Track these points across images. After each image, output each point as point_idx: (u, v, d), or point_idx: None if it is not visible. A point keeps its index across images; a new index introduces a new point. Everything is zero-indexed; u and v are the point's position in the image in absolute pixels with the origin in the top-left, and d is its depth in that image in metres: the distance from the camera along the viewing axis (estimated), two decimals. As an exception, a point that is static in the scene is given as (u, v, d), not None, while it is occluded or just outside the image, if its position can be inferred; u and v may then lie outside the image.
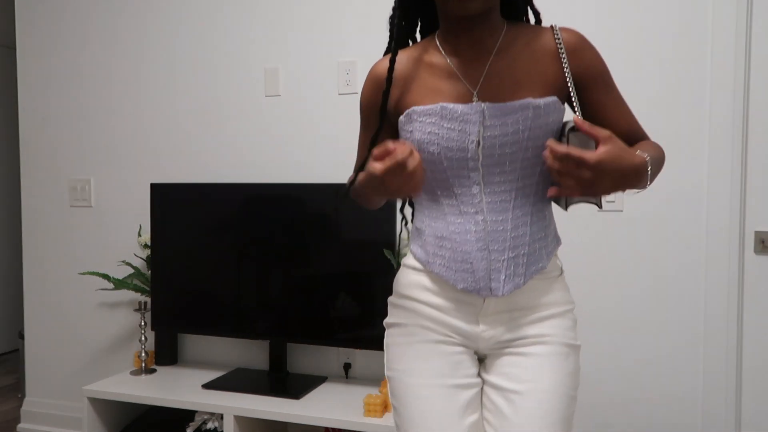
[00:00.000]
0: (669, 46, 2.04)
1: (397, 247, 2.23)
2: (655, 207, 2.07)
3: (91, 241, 2.81)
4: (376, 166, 1.01)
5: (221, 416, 2.23)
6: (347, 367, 2.42)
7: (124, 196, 2.75)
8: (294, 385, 2.32)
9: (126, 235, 2.75)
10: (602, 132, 1.00)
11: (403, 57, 1.22)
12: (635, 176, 1.03)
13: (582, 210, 2.14)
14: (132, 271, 2.69)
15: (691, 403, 2.06)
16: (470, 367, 1.21)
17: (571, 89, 1.15)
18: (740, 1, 1.95)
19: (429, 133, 1.13)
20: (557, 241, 1.24)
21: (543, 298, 1.19)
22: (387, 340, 1.26)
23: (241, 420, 2.16)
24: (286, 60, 2.49)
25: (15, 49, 2.95)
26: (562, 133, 1.14)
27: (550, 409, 1.13)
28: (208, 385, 2.33)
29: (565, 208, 1.19)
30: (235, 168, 2.57)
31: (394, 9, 1.23)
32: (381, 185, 1.04)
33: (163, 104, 2.67)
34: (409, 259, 1.26)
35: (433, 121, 1.13)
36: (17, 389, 3.57)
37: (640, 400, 2.11)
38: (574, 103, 1.16)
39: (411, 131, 1.16)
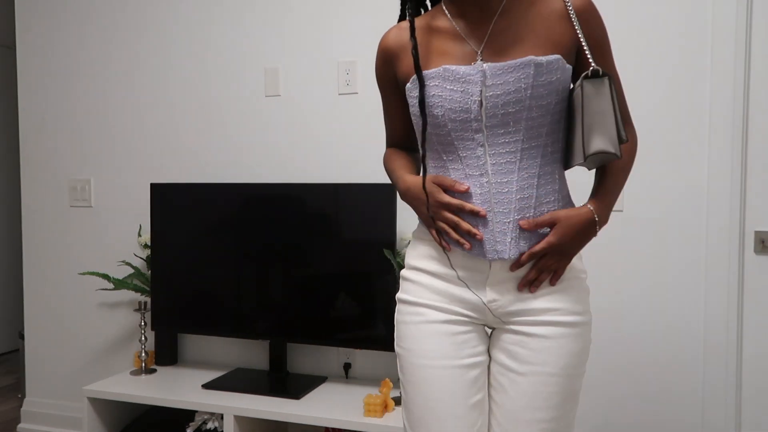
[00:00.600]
0: (669, 45, 2.04)
1: (396, 247, 2.23)
2: (655, 207, 2.07)
3: (91, 241, 2.81)
4: (445, 216, 1.16)
5: (221, 416, 2.23)
6: (347, 367, 2.42)
7: (124, 196, 2.75)
8: (294, 385, 2.32)
9: (126, 235, 2.75)
10: (546, 219, 1.13)
11: (403, 27, 1.24)
12: (591, 230, 1.15)
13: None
14: (132, 271, 2.69)
15: (691, 403, 2.06)
16: (477, 345, 1.21)
17: (584, 46, 1.15)
18: (740, 1, 1.95)
19: (433, 96, 1.14)
20: (570, 206, 1.21)
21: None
22: (397, 317, 1.27)
23: (241, 420, 2.16)
24: (286, 60, 2.49)
25: (15, 49, 2.94)
26: (574, 89, 1.14)
27: (554, 391, 1.14)
28: (208, 385, 2.33)
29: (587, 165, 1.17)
30: (235, 168, 2.57)
31: None
32: (425, 216, 1.20)
33: (163, 104, 2.67)
34: (417, 231, 1.28)
35: (437, 83, 1.14)
36: (17, 389, 3.57)
37: (640, 399, 2.11)
38: (590, 58, 1.14)
39: (414, 95, 1.17)
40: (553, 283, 1.16)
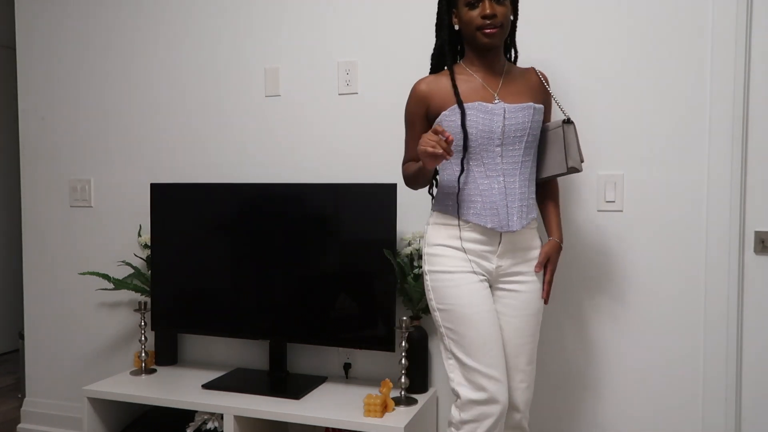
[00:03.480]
0: (669, 46, 2.04)
1: (397, 247, 2.23)
2: (655, 207, 2.07)
3: (91, 241, 2.81)
4: (436, 129, 1.59)
5: (221, 416, 2.23)
6: (347, 367, 2.42)
7: (124, 196, 2.75)
8: (294, 385, 2.32)
9: (126, 235, 2.75)
10: (543, 259, 1.80)
11: (437, 77, 1.78)
12: (560, 251, 1.85)
13: (581, 210, 2.14)
14: (132, 271, 2.69)
15: (692, 403, 2.06)
16: (491, 295, 1.77)
17: (557, 102, 1.87)
18: (740, 1, 1.95)
19: (468, 120, 1.69)
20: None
21: (531, 242, 1.80)
22: (434, 284, 1.75)
23: (241, 420, 2.16)
24: (286, 60, 2.49)
25: (15, 49, 2.94)
26: (546, 128, 1.82)
27: (532, 329, 1.80)
28: (208, 385, 2.33)
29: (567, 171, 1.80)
30: (235, 168, 2.57)
31: (441, 45, 1.80)
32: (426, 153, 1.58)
33: (163, 104, 2.67)
34: (439, 219, 1.78)
35: (472, 112, 1.69)
36: (17, 389, 3.57)
37: (640, 399, 2.11)
38: (563, 109, 1.85)
39: (454, 120, 1.69)
40: (546, 291, 1.83)
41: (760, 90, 1.97)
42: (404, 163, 1.86)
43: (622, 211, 2.11)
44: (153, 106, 2.69)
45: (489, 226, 1.70)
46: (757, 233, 1.99)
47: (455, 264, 1.73)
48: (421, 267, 1.85)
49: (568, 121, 1.78)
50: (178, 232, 2.48)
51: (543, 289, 1.80)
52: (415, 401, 2.15)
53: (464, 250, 1.72)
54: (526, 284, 1.78)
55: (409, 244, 2.24)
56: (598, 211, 2.13)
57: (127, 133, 2.74)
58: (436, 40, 1.82)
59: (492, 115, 1.69)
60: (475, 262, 1.73)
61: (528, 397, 1.82)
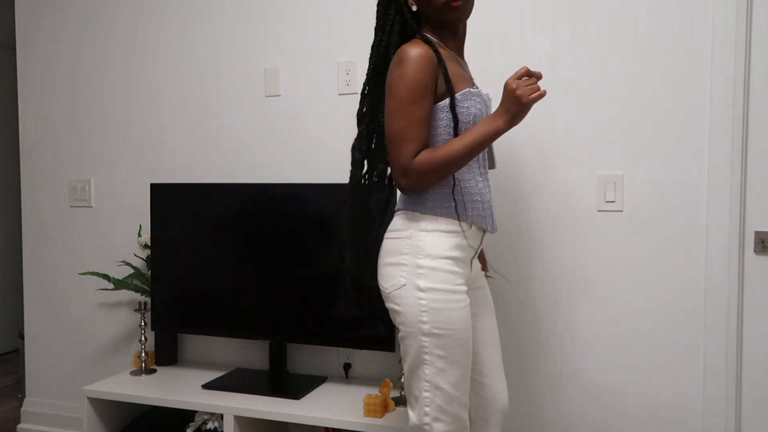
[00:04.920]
0: (669, 46, 2.04)
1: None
2: (655, 207, 2.07)
3: (91, 241, 2.81)
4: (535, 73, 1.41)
5: (221, 416, 2.23)
6: (347, 367, 2.42)
7: (124, 196, 2.75)
8: (294, 385, 2.32)
9: (126, 235, 2.75)
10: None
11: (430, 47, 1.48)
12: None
13: (581, 210, 2.14)
14: (132, 271, 2.69)
15: (692, 403, 2.06)
16: None
17: None
18: (740, 2, 1.95)
19: (478, 109, 1.50)
20: None
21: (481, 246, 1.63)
22: (433, 304, 1.45)
23: (241, 420, 2.16)
24: (286, 60, 2.49)
25: (15, 49, 2.94)
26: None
27: (496, 323, 1.74)
28: (208, 385, 2.33)
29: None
30: (235, 168, 2.57)
31: (390, 33, 1.53)
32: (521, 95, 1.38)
33: (163, 104, 2.68)
34: (436, 224, 1.50)
35: (478, 101, 1.51)
36: (17, 389, 3.57)
37: (639, 399, 2.11)
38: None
39: (467, 107, 1.48)
40: (485, 268, 1.80)
41: (760, 90, 1.97)
42: (417, 149, 1.44)
43: (622, 211, 2.11)
44: (153, 106, 2.69)
45: (489, 228, 1.57)
46: (757, 233, 1.99)
47: (460, 282, 1.50)
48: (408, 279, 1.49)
49: None
50: (178, 232, 2.48)
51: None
52: (415, 401, 2.15)
53: (464, 262, 1.52)
54: (482, 279, 1.72)
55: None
56: (598, 211, 2.13)
57: (127, 133, 2.74)
58: (378, 35, 1.55)
59: (485, 105, 1.56)
60: (470, 275, 1.59)
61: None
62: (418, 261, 1.46)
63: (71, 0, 2.80)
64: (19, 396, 3.28)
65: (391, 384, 2.09)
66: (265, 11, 2.51)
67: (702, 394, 2.05)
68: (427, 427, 1.49)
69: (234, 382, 2.37)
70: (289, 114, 2.49)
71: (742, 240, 2.00)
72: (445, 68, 1.44)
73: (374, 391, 2.28)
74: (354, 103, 2.39)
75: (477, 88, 1.54)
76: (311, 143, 2.46)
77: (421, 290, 1.46)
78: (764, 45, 1.96)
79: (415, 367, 1.49)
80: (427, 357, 1.47)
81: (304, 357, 2.50)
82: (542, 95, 1.37)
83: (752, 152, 1.99)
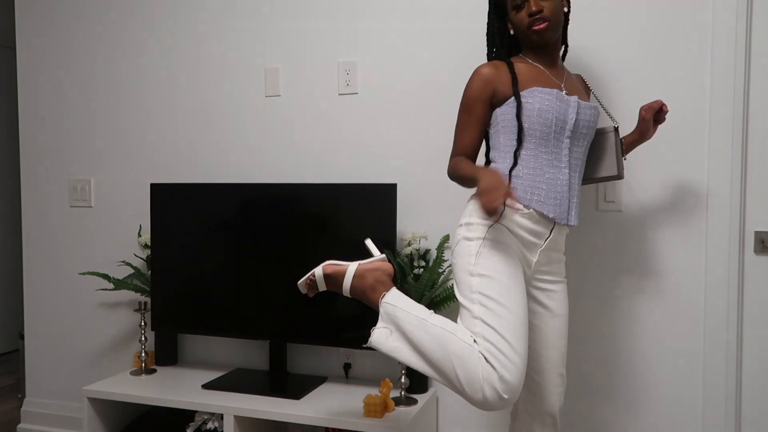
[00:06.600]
0: (669, 46, 2.04)
1: (397, 248, 2.23)
2: (655, 207, 2.07)
3: (91, 241, 2.81)
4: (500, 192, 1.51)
5: (221, 416, 2.23)
6: (347, 367, 2.42)
7: (124, 196, 2.75)
8: (294, 385, 2.32)
9: (126, 235, 2.75)
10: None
11: (497, 64, 1.71)
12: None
13: (581, 210, 2.14)
14: (132, 271, 2.69)
15: (691, 403, 2.06)
16: None
17: (606, 110, 1.93)
18: (740, 2, 1.95)
19: (548, 104, 1.64)
20: None
21: (562, 246, 1.77)
22: (479, 249, 1.61)
23: (241, 420, 2.16)
24: (286, 60, 2.49)
25: (15, 49, 2.94)
26: (602, 132, 1.85)
27: (566, 330, 1.78)
28: (208, 385, 2.33)
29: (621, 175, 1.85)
30: (235, 168, 2.57)
31: (492, 34, 1.78)
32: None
33: (163, 104, 2.68)
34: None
35: (550, 98, 1.64)
36: (17, 389, 3.57)
37: (639, 400, 2.11)
38: (612, 116, 1.91)
39: (531, 102, 1.64)
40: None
41: (760, 90, 1.97)
42: (456, 154, 1.74)
43: (621, 211, 2.11)
44: (153, 106, 2.69)
45: (551, 215, 1.64)
46: (757, 233, 1.99)
47: (506, 239, 1.63)
48: (455, 240, 1.68)
49: (617, 129, 1.82)
50: (178, 232, 2.48)
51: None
52: (415, 401, 2.15)
53: (518, 236, 1.64)
54: (558, 284, 1.76)
55: (409, 244, 2.24)
56: (598, 211, 2.13)
57: (127, 133, 2.74)
58: (488, 48, 1.80)
59: (567, 105, 1.66)
60: (523, 252, 1.66)
61: (562, 403, 1.78)
62: (473, 220, 1.65)
63: (71, 0, 2.80)
64: (19, 396, 3.28)
65: (391, 384, 2.09)
66: (265, 11, 2.51)
67: (702, 394, 2.04)
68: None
69: (234, 382, 2.37)
70: (289, 114, 2.49)
71: (742, 240, 2.00)
72: (514, 76, 1.67)
73: (374, 391, 2.28)
74: (354, 103, 2.39)
75: (561, 90, 1.68)
76: (311, 143, 2.46)
77: (472, 240, 1.64)
78: (764, 45, 1.96)
79: (466, 306, 1.62)
80: (475, 296, 1.61)
81: (304, 357, 2.50)
82: (497, 209, 1.49)
83: (752, 152, 1.99)
